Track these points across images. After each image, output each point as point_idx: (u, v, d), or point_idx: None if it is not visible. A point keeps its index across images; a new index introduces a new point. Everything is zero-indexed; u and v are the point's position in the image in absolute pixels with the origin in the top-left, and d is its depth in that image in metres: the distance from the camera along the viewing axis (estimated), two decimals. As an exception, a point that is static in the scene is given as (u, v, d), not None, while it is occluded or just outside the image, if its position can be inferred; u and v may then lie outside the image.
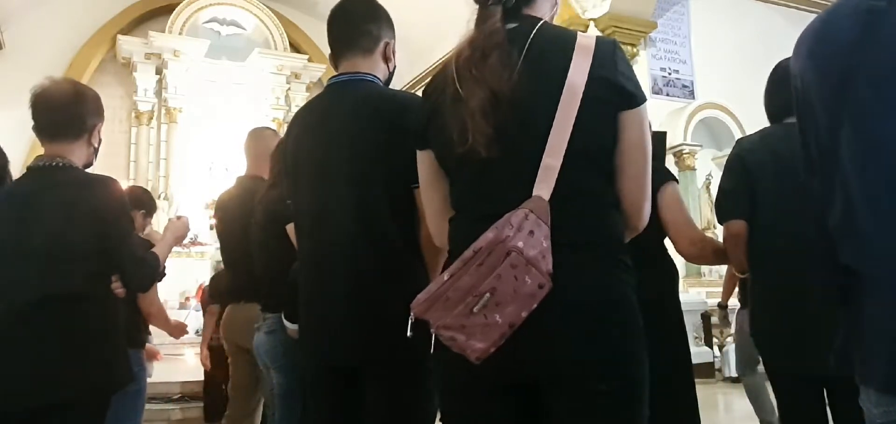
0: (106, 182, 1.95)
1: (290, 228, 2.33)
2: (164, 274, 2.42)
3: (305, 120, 1.77)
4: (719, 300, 4.44)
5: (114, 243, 1.91)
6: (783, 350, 1.97)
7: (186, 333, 3.25)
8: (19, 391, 1.76)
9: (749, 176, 2.01)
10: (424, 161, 1.37)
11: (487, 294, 1.07)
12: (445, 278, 1.12)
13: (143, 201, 3.18)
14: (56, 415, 1.77)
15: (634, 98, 1.21)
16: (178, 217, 2.37)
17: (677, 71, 8.52)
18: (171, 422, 4.97)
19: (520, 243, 1.07)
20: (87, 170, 2.05)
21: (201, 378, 5.48)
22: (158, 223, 6.38)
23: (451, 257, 1.22)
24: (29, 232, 1.84)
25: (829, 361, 1.82)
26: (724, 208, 2.07)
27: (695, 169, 8.37)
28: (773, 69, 2.16)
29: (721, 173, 2.25)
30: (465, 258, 1.11)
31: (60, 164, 1.93)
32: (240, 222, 2.80)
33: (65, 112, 1.96)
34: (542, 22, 1.27)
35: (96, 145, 2.06)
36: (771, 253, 1.98)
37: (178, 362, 6.34)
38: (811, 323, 1.88)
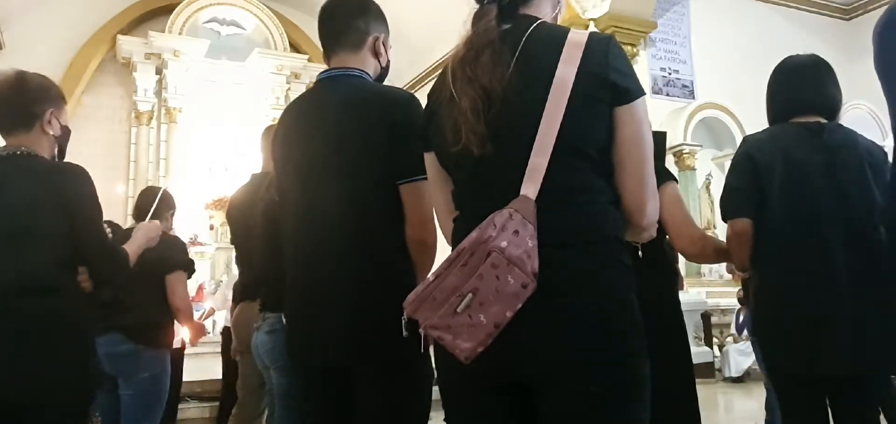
0: (75, 169, 1.91)
1: None
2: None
3: (294, 115, 1.76)
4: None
5: (82, 230, 1.85)
6: (790, 351, 1.96)
7: (206, 334, 3.29)
8: None
9: (757, 175, 1.99)
10: (429, 162, 1.38)
11: (470, 295, 1.07)
12: (432, 278, 1.12)
13: (172, 203, 3.21)
14: (28, 413, 1.72)
15: (628, 93, 1.19)
16: (151, 220, 2.39)
17: (677, 71, 8.52)
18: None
19: (503, 243, 1.06)
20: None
21: (200, 377, 5.50)
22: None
23: None
24: None
25: (839, 361, 1.83)
26: (730, 205, 2.04)
27: (695, 169, 8.36)
28: (774, 69, 2.15)
29: (725, 172, 2.23)
30: (450, 259, 1.11)
31: (25, 152, 1.88)
32: (251, 219, 2.80)
33: (8, 101, 1.91)
34: (538, 21, 1.25)
35: (55, 134, 1.96)
36: (780, 254, 1.96)
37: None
38: (820, 324, 1.87)
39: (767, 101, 2.15)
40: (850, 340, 1.84)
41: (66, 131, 2.02)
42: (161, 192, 2.94)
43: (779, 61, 2.16)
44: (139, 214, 3.06)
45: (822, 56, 2.13)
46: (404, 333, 1.21)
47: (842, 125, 2.05)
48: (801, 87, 2.06)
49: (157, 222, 2.38)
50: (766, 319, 2.04)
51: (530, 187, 1.13)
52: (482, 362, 1.10)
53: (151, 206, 2.88)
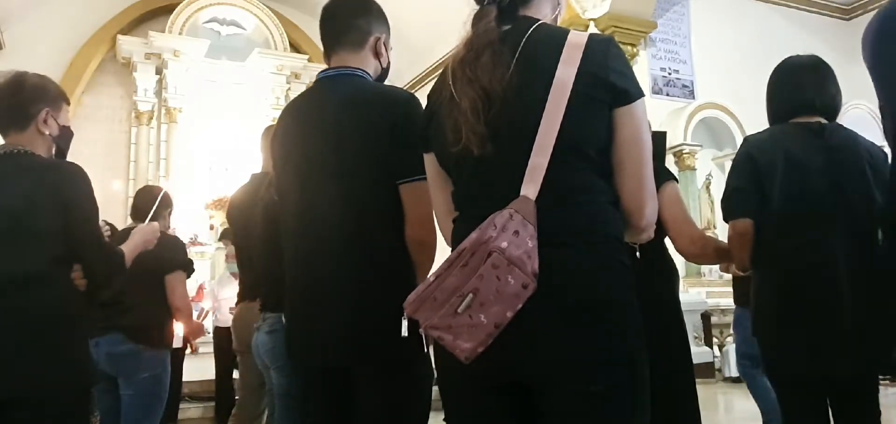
0: (73, 167, 1.91)
1: None
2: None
3: (293, 115, 1.76)
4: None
5: (79, 228, 1.86)
6: (790, 352, 1.95)
7: (205, 334, 3.30)
8: None
9: (758, 175, 1.99)
10: (429, 163, 1.38)
11: (470, 295, 1.07)
12: (432, 279, 1.12)
13: (169, 202, 3.21)
14: (24, 411, 1.71)
15: (627, 95, 1.19)
16: (149, 223, 2.38)
17: (677, 71, 8.52)
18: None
19: (503, 244, 1.06)
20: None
21: (200, 377, 5.51)
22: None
23: None
24: None
25: (839, 361, 1.83)
26: (731, 206, 2.04)
27: (695, 169, 8.36)
28: (774, 70, 2.14)
29: (725, 172, 2.23)
30: (451, 260, 1.11)
31: (23, 151, 1.89)
32: (250, 219, 2.80)
33: (4, 101, 1.92)
34: (539, 23, 1.26)
35: (52, 133, 1.96)
36: (780, 254, 1.96)
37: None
38: (820, 325, 1.87)
39: (768, 101, 2.15)
40: (851, 340, 1.84)
41: (65, 132, 2.02)
42: (161, 194, 2.94)
43: (778, 61, 2.16)
44: (137, 213, 3.06)
45: (821, 56, 2.13)
46: (405, 333, 1.22)
47: (842, 126, 2.06)
48: (802, 87, 2.06)
49: (155, 224, 2.37)
50: (766, 319, 2.04)
51: (530, 188, 1.13)
52: (482, 362, 1.10)
53: (150, 206, 2.89)
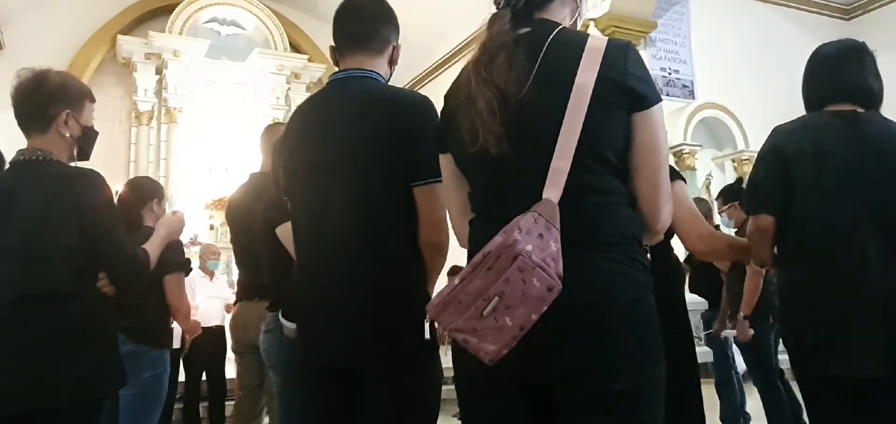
0: (89, 176, 1.89)
1: (281, 230, 2.32)
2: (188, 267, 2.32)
3: (305, 116, 1.75)
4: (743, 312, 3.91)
5: (97, 239, 1.83)
6: (819, 352, 1.85)
7: (199, 333, 3.34)
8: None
9: (785, 167, 1.89)
10: (445, 164, 1.39)
11: (496, 298, 1.08)
12: (457, 282, 1.13)
13: (154, 190, 3.17)
14: (41, 421, 1.71)
15: (646, 100, 1.21)
16: (174, 212, 2.36)
17: (677, 71, 8.51)
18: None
19: (528, 247, 1.07)
20: (75, 163, 1.95)
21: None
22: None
23: (468, 260, 1.23)
24: (6, 229, 1.77)
25: (870, 362, 1.74)
26: (753, 200, 1.96)
27: (695, 169, 8.35)
28: (813, 54, 2.04)
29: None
30: (475, 263, 1.12)
31: (41, 157, 1.86)
32: (249, 219, 2.80)
33: (24, 102, 1.89)
34: (559, 27, 1.27)
35: (72, 135, 1.93)
36: (810, 248, 1.86)
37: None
38: (850, 324, 1.78)
39: (802, 91, 2.04)
40: (882, 340, 1.74)
41: (88, 133, 1.99)
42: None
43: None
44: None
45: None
46: (427, 336, 1.23)
47: (881, 115, 1.94)
48: (835, 72, 1.96)
49: (180, 213, 2.35)
50: (795, 318, 1.93)
51: (553, 191, 1.15)
52: (504, 363, 1.11)
53: (144, 200, 2.89)
